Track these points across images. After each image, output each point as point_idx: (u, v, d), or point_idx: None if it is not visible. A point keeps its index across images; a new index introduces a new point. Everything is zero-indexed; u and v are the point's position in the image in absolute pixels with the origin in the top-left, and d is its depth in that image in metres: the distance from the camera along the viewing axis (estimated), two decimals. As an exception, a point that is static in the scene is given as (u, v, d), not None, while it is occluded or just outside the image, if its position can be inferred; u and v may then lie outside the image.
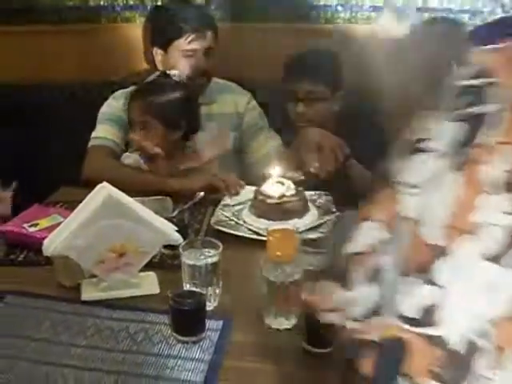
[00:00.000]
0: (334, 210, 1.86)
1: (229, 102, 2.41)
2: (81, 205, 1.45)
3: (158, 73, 2.25)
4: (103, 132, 2.27)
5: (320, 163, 2.01)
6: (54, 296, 1.50)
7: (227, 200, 1.93)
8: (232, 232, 1.73)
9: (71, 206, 1.86)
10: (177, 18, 2.26)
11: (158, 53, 2.32)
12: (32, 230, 1.71)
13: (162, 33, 2.30)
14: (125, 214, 1.42)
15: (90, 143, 2.27)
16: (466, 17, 2.56)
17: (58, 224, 1.64)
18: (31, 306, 1.46)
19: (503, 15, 2.47)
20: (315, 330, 1.27)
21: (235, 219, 1.81)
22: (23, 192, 2.18)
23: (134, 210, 1.43)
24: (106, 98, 2.36)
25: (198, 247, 1.45)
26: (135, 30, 2.71)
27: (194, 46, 2.26)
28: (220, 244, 1.44)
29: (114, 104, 2.31)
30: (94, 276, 1.51)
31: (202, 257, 1.42)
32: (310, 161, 2.03)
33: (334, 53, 2.36)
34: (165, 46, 2.29)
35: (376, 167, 2.17)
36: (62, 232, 1.43)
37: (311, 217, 1.81)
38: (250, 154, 2.42)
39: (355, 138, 2.20)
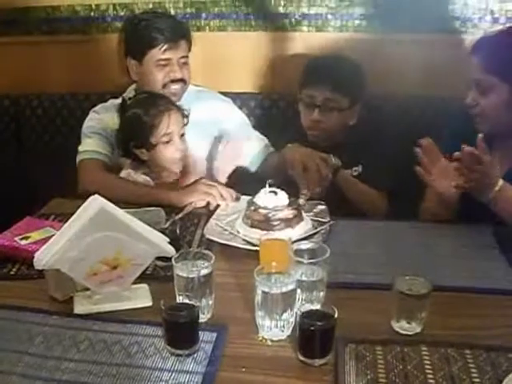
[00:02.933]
0: (328, 219, 1.85)
1: (206, 109, 2.41)
2: (72, 217, 1.44)
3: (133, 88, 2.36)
4: (92, 145, 2.28)
5: (308, 185, 1.97)
6: (46, 310, 1.49)
7: (222, 210, 1.93)
8: (225, 242, 1.73)
9: (63, 218, 1.87)
10: (150, 29, 2.25)
11: (132, 63, 2.32)
12: (23, 242, 1.70)
13: (136, 43, 2.30)
14: (117, 226, 1.41)
15: (80, 157, 2.28)
16: (456, 24, 2.56)
17: (51, 237, 1.63)
18: (23, 320, 1.45)
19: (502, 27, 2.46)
20: (309, 341, 1.27)
21: (229, 229, 1.80)
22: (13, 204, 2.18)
23: (125, 222, 1.42)
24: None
25: (191, 259, 1.44)
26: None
27: (169, 55, 2.26)
28: (212, 255, 1.43)
29: (97, 117, 2.32)
30: (86, 289, 1.50)
31: (195, 268, 1.41)
32: (299, 184, 1.99)
33: (358, 62, 2.31)
34: (139, 57, 2.29)
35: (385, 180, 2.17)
36: (54, 245, 1.41)
37: (304, 227, 1.80)
38: None
39: (364, 151, 2.18)
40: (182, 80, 2.31)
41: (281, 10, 2.65)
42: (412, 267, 1.39)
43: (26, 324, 1.43)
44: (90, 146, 2.28)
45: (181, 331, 1.30)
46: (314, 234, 1.77)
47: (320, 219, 1.86)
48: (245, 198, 1.95)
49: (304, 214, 1.84)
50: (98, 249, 1.42)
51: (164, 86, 2.27)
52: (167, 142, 2.12)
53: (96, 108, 2.36)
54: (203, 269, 1.40)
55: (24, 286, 1.60)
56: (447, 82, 2.39)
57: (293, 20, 2.65)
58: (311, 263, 1.43)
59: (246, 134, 2.43)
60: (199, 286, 1.39)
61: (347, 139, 2.32)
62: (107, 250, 1.43)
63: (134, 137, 2.15)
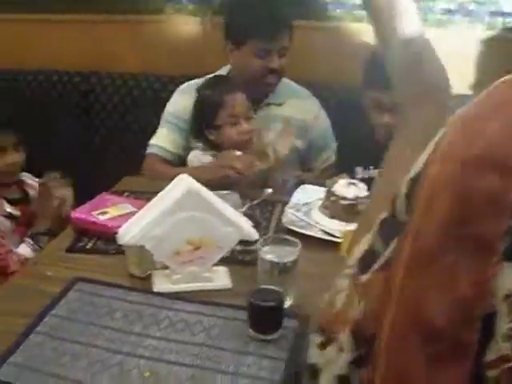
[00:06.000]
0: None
1: (297, 107, 2.35)
2: (158, 195, 1.44)
3: (226, 70, 2.35)
4: (161, 139, 2.31)
5: None
6: (124, 285, 1.48)
7: (295, 199, 1.89)
8: (305, 232, 1.69)
9: (139, 195, 1.87)
10: (253, 16, 2.20)
11: (230, 48, 2.28)
12: (101, 218, 1.70)
13: (237, 29, 2.25)
14: (204, 207, 1.40)
15: (148, 150, 2.32)
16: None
17: (129, 213, 1.65)
18: (102, 294, 1.45)
19: None
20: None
21: (305, 219, 1.78)
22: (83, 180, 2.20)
23: (212, 203, 1.41)
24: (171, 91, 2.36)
25: (275, 244, 1.42)
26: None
27: (269, 46, 2.19)
28: (298, 242, 1.41)
29: (179, 101, 2.31)
30: (165, 267, 1.49)
31: (282, 253, 1.39)
32: None
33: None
34: (238, 43, 2.24)
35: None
36: (139, 222, 1.41)
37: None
38: (310, 166, 2.40)
39: None
40: (279, 71, 2.25)
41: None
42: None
43: (105, 298, 1.43)
44: (159, 140, 2.31)
45: (266, 316, 1.29)
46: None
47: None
48: (315, 188, 1.94)
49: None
50: (183, 229, 1.41)
51: (261, 76, 2.22)
52: (233, 124, 2.11)
53: (183, 87, 2.36)
54: (289, 255, 1.38)
55: (100, 261, 1.61)
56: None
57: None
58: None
59: (327, 146, 2.40)
60: (284, 272, 1.37)
61: None
62: (192, 230, 1.42)
63: (204, 117, 2.15)
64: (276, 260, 1.37)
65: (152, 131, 2.33)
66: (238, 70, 2.29)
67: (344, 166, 2.19)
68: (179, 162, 2.29)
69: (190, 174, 1.79)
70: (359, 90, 2.18)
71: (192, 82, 2.35)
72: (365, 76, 2.16)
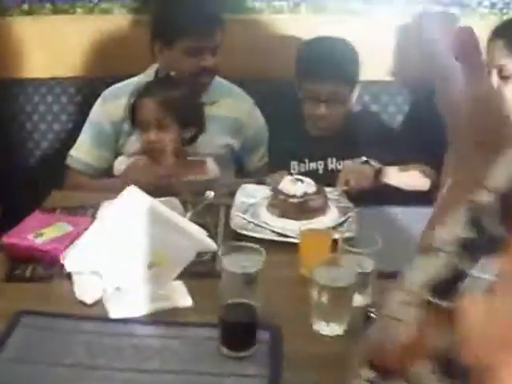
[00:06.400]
0: (351, 205, 1.78)
1: (230, 106, 2.27)
2: (105, 212, 1.34)
3: (154, 69, 2.22)
4: (82, 151, 2.21)
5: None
6: (76, 314, 1.36)
7: (239, 201, 1.81)
8: (259, 236, 1.61)
9: (73, 212, 1.75)
10: (183, 14, 2.09)
11: (159, 48, 2.17)
12: (38, 241, 1.56)
13: (165, 28, 2.13)
14: (157, 220, 1.31)
15: (69, 162, 2.21)
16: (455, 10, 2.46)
17: (67, 234, 1.54)
18: (54, 327, 1.32)
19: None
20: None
21: (255, 221, 1.70)
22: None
23: (166, 216, 1.33)
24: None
25: (235, 252, 1.33)
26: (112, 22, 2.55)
27: (201, 43, 2.10)
28: (263, 249, 1.32)
29: (101, 108, 2.21)
30: (117, 290, 1.39)
31: (246, 263, 1.29)
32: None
33: (350, 42, 2.12)
34: (168, 42, 2.13)
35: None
36: (87, 244, 1.32)
37: (333, 214, 1.72)
38: (246, 165, 2.34)
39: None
40: (212, 70, 2.16)
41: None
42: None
43: (58, 332, 1.30)
44: (81, 153, 2.20)
45: (240, 332, 1.22)
46: (344, 221, 1.69)
47: (344, 206, 1.78)
48: (257, 187, 1.89)
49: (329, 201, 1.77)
50: (135, 247, 1.31)
51: (193, 75, 2.12)
52: (143, 130, 2.04)
53: (107, 93, 2.23)
54: (254, 264, 1.29)
55: (44, 289, 1.46)
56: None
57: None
58: (361, 253, 1.35)
59: (263, 142, 2.32)
60: (250, 282, 1.28)
61: (348, 126, 2.17)
62: (146, 247, 1.32)
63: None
64: (241, 271, 1.27)
65: (71, 138, 2.23)
66: (168, 71, 2.17)
67: (279, 162, 2.15)
68: (103, 172, 2.20)
69: (117, 185, 1.71)
70: (285, 83, 2.15)
71: (114, 87, 2.24)
72: (299, 68, 2.13)
